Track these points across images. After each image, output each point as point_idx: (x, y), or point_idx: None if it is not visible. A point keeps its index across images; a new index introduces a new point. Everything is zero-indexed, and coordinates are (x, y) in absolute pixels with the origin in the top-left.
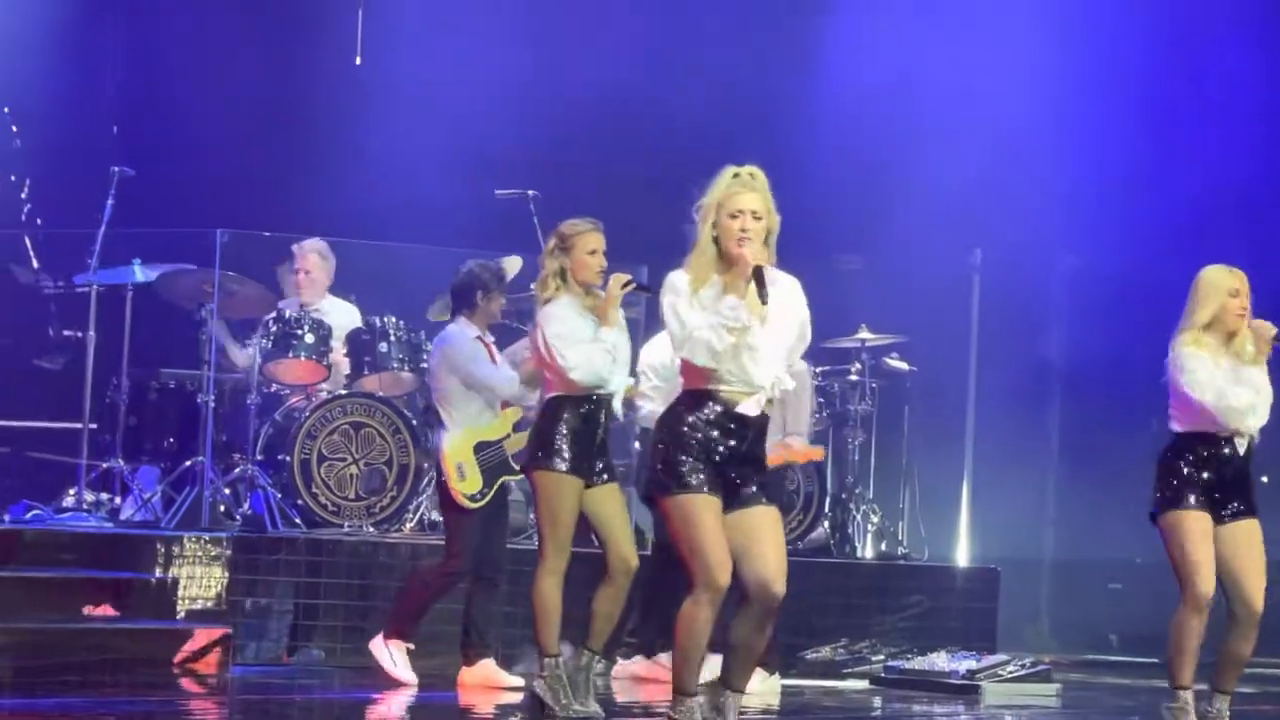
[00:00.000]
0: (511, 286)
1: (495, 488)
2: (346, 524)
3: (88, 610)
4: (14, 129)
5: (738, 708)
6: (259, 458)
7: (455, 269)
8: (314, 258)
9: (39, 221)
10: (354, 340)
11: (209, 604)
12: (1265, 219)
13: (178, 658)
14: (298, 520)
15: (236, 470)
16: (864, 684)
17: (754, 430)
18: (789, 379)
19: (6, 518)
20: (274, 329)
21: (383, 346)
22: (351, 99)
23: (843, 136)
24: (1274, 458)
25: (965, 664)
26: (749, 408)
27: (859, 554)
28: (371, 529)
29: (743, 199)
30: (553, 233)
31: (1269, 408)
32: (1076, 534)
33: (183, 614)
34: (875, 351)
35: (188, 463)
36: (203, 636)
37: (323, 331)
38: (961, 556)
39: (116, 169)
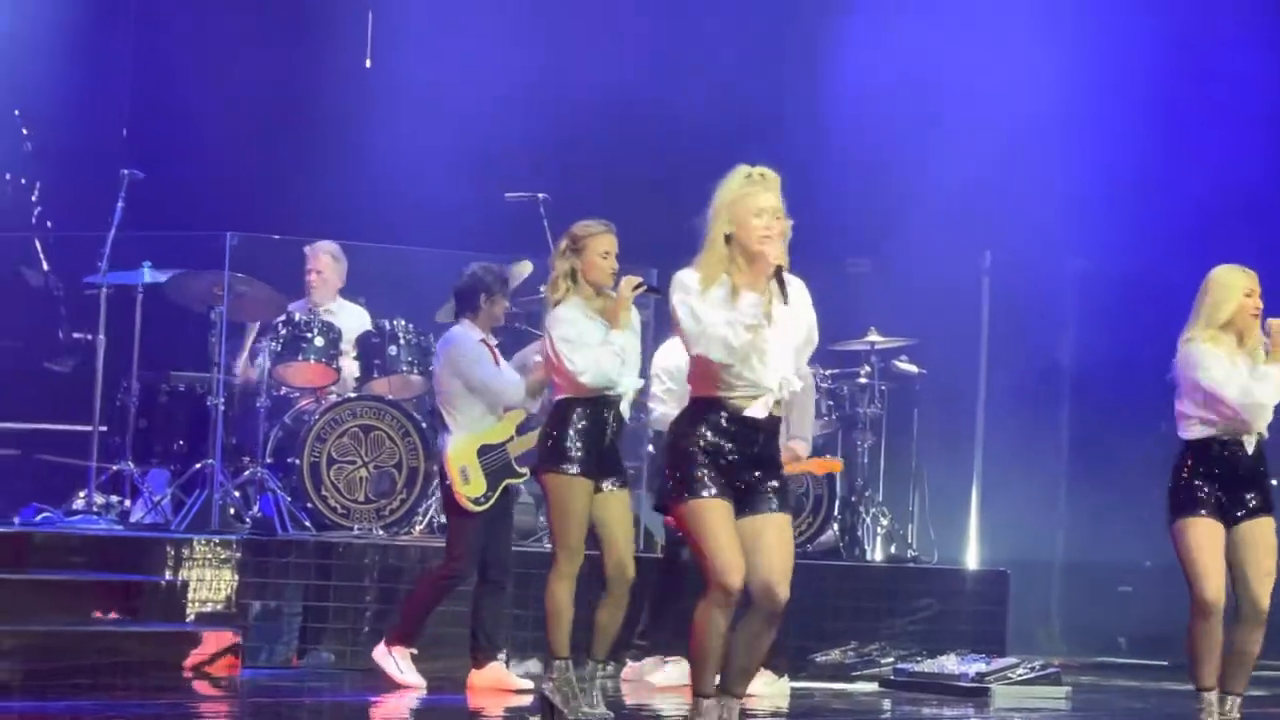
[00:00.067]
0: (521, 289)
1: (499, 491)
2: (356, 527)
3: (97, 616)
4: (24, 132)
5: (738, 712)
6: (269, 461)
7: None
8: (326, 258)
9: (49, 224)
10: (364, 343)
11: (219, 607)
12: (1272, 221)
13: (188, 662)
14: (307, 523)
15: (246, 473)
16: (873, 686)
17: (764, 433)
18: (796, 380)
19: (16, 520)
20: (283, 332)
21: (392, 349)
22: (360, 101)
23: (851, 139)
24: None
25: (975, 667)
26: (757, 410)
27: (868, 557)
28: (381, 532)
29: (763, 198)
30: (565, 233)
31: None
32: (1086, 537)
33: (192, 617)
34: (885, 354)
35: (197, 465)
36: (212, 640)
37: (332, 335)
38: (971, 559)
39: (126, 172)
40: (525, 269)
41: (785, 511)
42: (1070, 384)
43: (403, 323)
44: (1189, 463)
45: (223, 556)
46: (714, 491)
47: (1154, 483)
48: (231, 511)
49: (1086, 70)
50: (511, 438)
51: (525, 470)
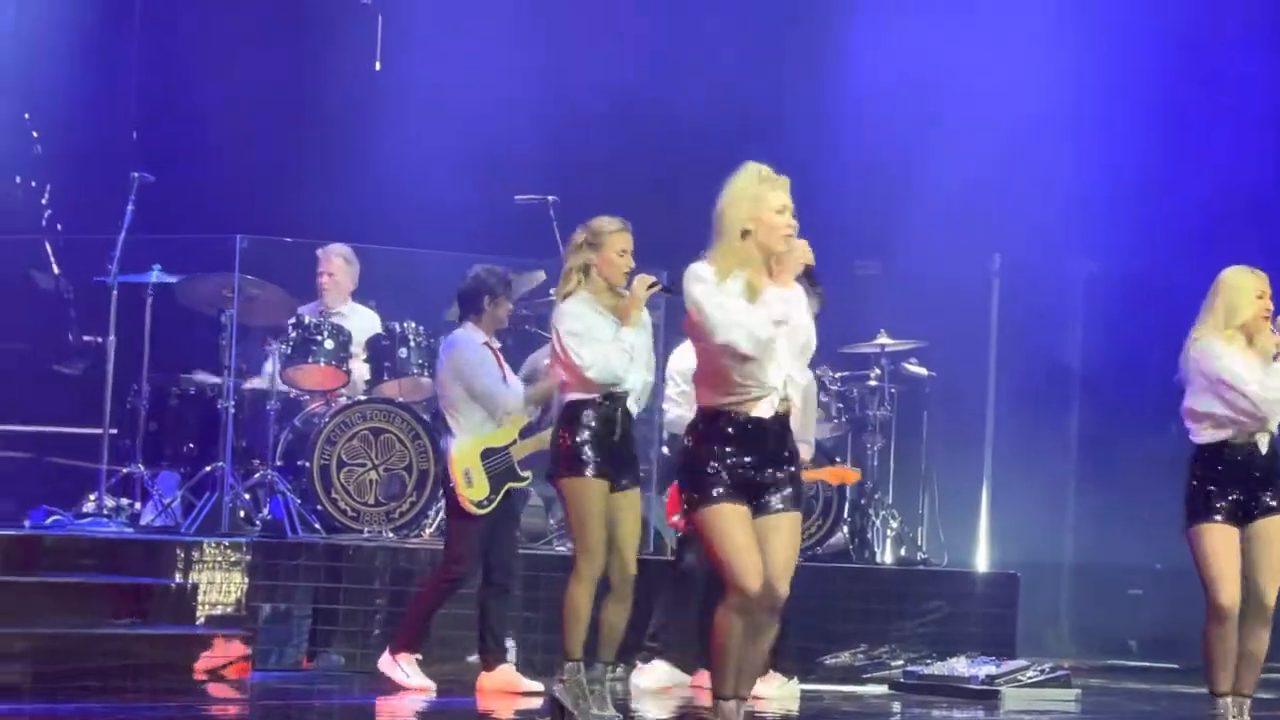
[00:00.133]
0: (534, 293)
1: (501, 494)
2: (366, 529)
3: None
4: (35, 135)
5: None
6: (279, 463)
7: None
8: (338, 261)
9: (59, 227)
10: (374, 346)
11: (229, 609)
12: (1278, 223)
13: (199, 664)
14: (317, 526)
15: (256, 476)
16: (883, 689)
17: (772, 433)
18: (800, 377)
19: (27, 523)
20: (294, 335)
21: (402, 352)
22: (369, 104)
23: (860, 141)
24: None
25: (985, 669)
26: (764, 410)
27: (878, 559)
28: (391, 534)
29: (781, 196)
30: (583, 227)
31: None
32: (1096, 539)
33: (202, 619)
34: (894, 357)
35: (208, 468)
36: (222, 643)
37: (342, 337)
38: (981, 561)
39: (136, 174)
40: (538, 279)
41: (796, 510)
42: (1079, 386)
43: (413, 325)
44: (1202, 466)
45: (233, 559)
46: (728, 497)
47: (1163, 484)
48: (241, 514)
49: (1093, 72)
50: (515, 441)
51: (528, 474)
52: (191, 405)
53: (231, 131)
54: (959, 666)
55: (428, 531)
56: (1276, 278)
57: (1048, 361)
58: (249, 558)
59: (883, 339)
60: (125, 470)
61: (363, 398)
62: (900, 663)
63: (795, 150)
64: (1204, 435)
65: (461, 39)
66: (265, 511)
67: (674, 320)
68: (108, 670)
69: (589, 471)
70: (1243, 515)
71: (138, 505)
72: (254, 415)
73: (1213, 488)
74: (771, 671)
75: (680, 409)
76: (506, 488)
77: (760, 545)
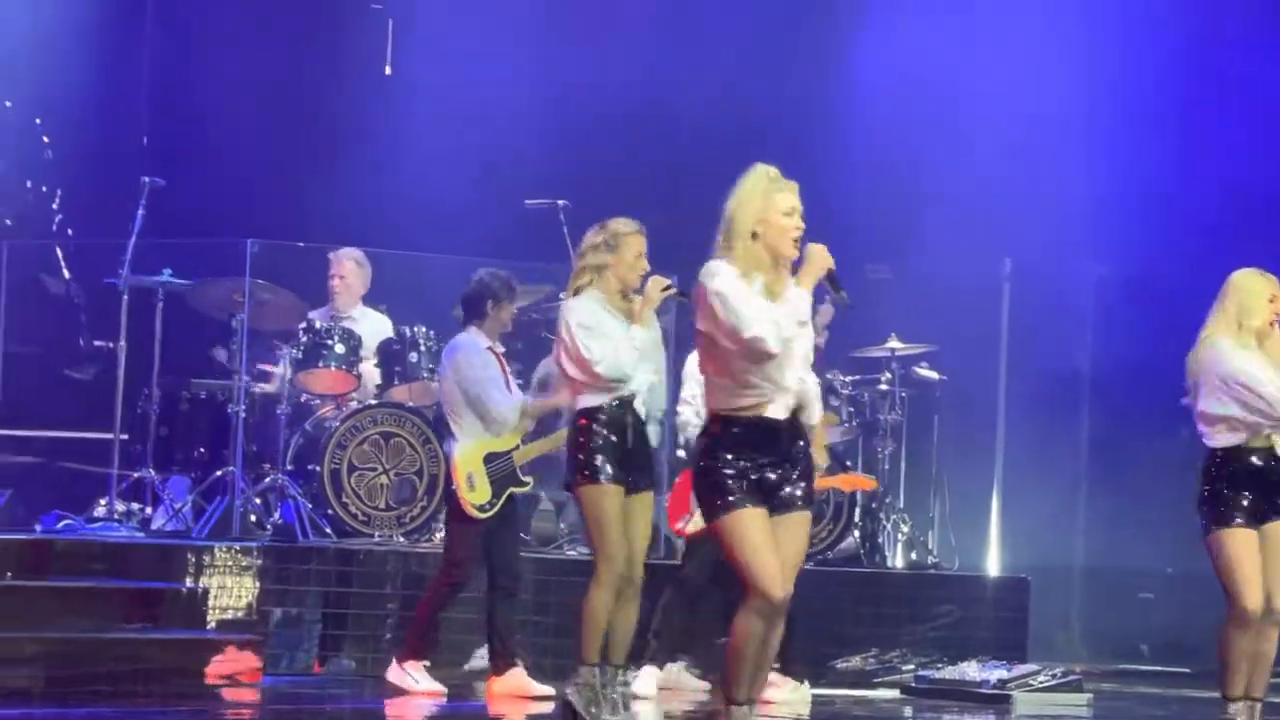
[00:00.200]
0: (546, 297)
1: (503, 498)
2: (377, 534)
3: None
4: (45, 140)
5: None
6: (289, 468)
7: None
8: (350, 264)
9: (70, 232)
10: (385, 350)
11: (239, 614)
12: None
13: (210, 669)
14: (328, 530)
15: (267, 480)
16: (895, 693)
17: (785, 433)
18: (811, 377)
19: (38, 528)
20: (304, 339)
21: (413, 356)
22: (380, 108)
23: (870, 145)
24: None
25: (996, 673)
26: (777, 411)
27: (889, 563)
28: (402, 539)
29: (789, 198)
30: (599, 227)
31: None
32: (1107, 543)
33: (213, 624)
34: (905, 361)
35: (218, 473)
36: (233, 648)
37: (353, 342)
38: (992, 565)
39: (147, 179)
40: (544, 292)
41: (807, 509)
42: (1089, 389)
43: (423, 329)
44: (1218, 470)
45: (244, 564)
46: (746, 502)
47: (1174, 488)
48: (252, 519)
49: (1104, 76)
50: (517, 446)
51: (529, 479)
52: (202, 410)
53: (242, 136)
54: (970, 671)
55: (438, 536)
56: None
57: (1058, 365)
58: (260, 562)
59: (893, 343)
60: (136, 475)
61: (373, 402)
62: (911, 667)
63: (806, 154)
64: (1219, 439)
65: (471, 43)
66: (276, 516)
67: (684, 329)
68: (119, 675)
69: (604, 478)
70: (1258, 517)
71: (149, 510)
72: (264, 419)
73: (1228, 491)
74: (783, 676)
75: (693, 410)
76: (509, 492)
77: None
